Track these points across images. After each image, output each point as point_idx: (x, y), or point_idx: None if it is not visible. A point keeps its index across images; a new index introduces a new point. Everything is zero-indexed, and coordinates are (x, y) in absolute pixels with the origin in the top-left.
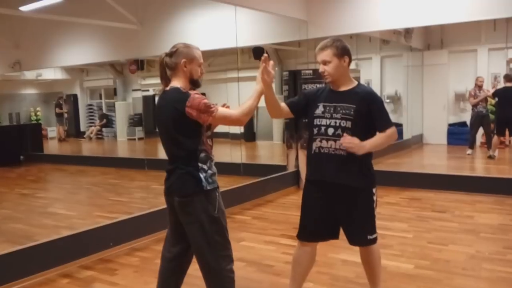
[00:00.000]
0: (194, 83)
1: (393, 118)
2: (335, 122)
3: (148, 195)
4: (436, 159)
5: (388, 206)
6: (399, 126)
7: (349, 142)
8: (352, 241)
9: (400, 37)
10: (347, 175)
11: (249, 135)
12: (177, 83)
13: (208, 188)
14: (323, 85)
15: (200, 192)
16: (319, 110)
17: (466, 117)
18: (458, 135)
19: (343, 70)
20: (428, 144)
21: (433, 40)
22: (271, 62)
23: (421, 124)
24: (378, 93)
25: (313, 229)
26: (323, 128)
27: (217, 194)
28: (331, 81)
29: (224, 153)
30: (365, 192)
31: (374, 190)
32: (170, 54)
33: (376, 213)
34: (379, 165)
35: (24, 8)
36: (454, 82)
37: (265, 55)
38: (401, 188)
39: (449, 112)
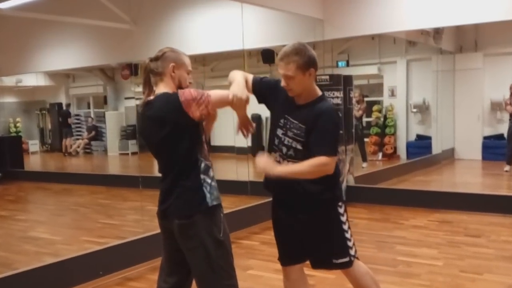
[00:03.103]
0: None
1: (420, 129)
2: (288, 141)
3: (142, 218)
4: (469, 177)
5: (415, 229)
6: (427, 139)
7: (261, 161)
8: (313, 263)
9: (428, 38)
10: (294, 191)
11: (258, 149)
12: (163, 90)
13: (214, 203)
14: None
15: (204, 210)
16: (282, 120)
17: (504, 129)
18: (495, 149)
19: (308, 83)
20: (460, 159)
21: (466, 41)
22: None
23: (453, 136)
24: (403, 101)
25: (282, 251)
26: (281, 144)
27: (221, 213)
28: (294, 95)
29: (230, 169)
30: (322, 208)
31: (339, 205)
32: (156, 58)
33: (352, 233)
34: (404, 183)
35: (1, 5)
36: (490, 89)
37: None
38: (430, 210)
39: (484, 123)
